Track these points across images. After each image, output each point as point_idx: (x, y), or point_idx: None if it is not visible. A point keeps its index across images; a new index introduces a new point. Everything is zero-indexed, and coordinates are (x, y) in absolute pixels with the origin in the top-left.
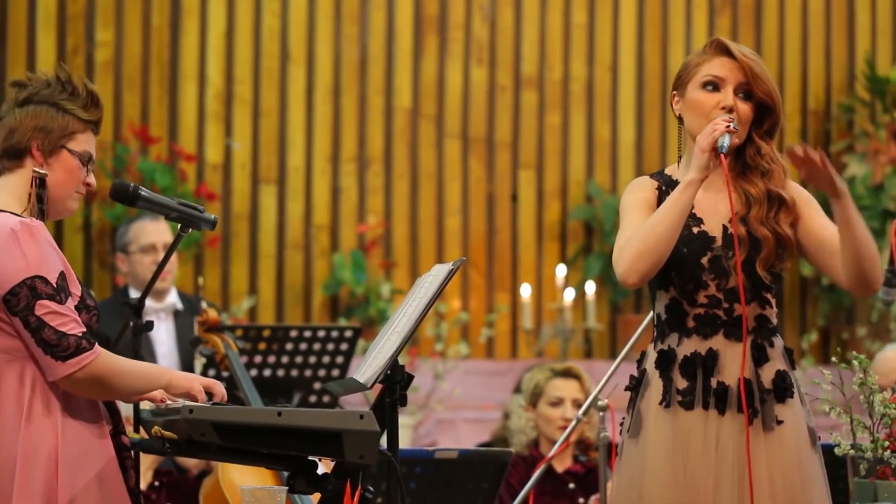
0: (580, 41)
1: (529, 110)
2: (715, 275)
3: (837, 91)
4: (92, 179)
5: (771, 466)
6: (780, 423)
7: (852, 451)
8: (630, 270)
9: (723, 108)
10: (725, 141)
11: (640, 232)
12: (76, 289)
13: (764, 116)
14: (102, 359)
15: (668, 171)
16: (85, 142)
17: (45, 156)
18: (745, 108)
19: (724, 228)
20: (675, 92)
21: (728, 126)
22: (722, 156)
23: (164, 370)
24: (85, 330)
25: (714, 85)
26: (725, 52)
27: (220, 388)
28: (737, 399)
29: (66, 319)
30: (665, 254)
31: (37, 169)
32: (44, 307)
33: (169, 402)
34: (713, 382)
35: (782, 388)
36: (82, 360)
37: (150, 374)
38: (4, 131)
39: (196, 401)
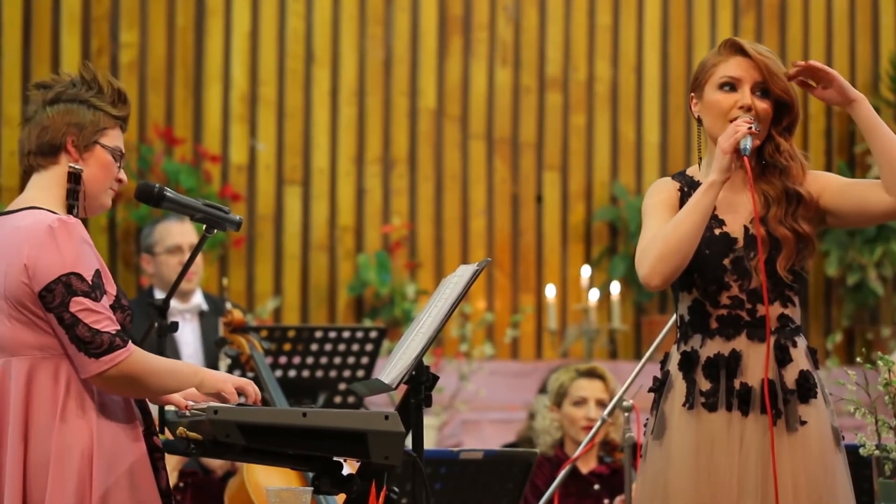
0: (605, 42)
1: (554, 111)
2: (737, 276)
3: (862, 91)
4: (123, 175)
5: (795, 467)
6: (803, 423)
7: (877, 452)
8: (653, 273)
9: (741, 108)
10: (748, 143)
11: (663, 234)
12: (112, 288)
13: (782, 114)
14: (136, 357)
15: (689, 171)
16: (116, 138)
17: (79, 151)
18: (763, 106)
19: (746, 229)
20: (692, 94)
21: (750, 127)
22: (745, 158)
23: (198, 369)
24: (119, 328)
25: (731, 85)
26: (740, 51)
27: (252, 389)
28: (760, 400)
29: (100, 317)
30: (688, 255)
31: (73, 164)
32: (79, 304)
33: (192, 408)
34: (736, 384)
35: (805, 389)
36: (115, 357)
37: (182, 372)
38: (37, 129)
39: (227, 402)
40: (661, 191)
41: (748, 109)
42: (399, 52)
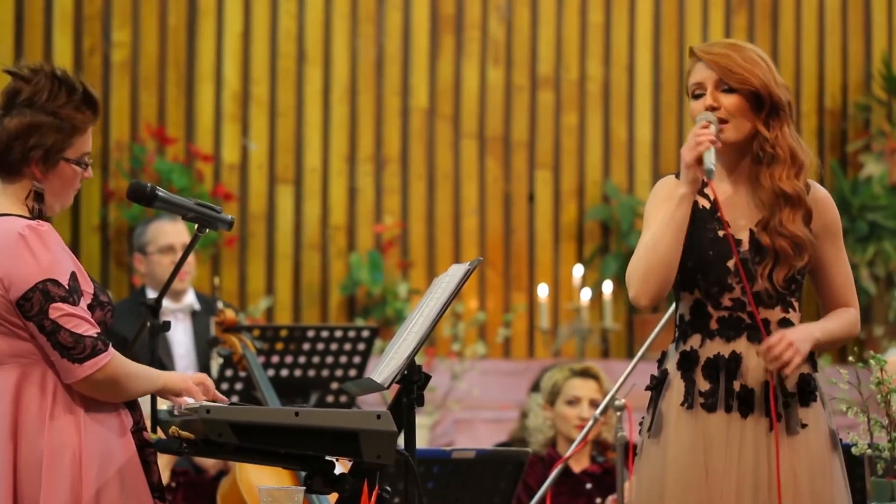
0: (596, 41)
1: (546, 110)
2: (741, 278)
3: (854, 90)
4: (89, 173)
5: (795, 470)
6: (804, 426)
7: (869, 451)
8: (640, 294)
9: (707, 108)
10: (712, 159)
11: (643, 254)
12: (88, 286)
13: (760, 102)
14: (116, 360)
15: None
16: (83, 144)
17: (43, 171)
18: (730, 101)
19: (752, 233)
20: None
21: (711, 138)
22: (711, 183)
23: (160, 374)
24: (99, 331)
25: (699, 91)
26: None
27: (210, 383)
28: (762, 402)
29: (80, 321)
30: (670, 271)
31: (36, 184)
32: (57, 310)
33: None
34: (736, 385)
35: (806, 392)
36: (99, 361)
37: (149, 376)
38: (2, 135)
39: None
40: (663, 193)
41: (712, 108)
42: (391, 52)
